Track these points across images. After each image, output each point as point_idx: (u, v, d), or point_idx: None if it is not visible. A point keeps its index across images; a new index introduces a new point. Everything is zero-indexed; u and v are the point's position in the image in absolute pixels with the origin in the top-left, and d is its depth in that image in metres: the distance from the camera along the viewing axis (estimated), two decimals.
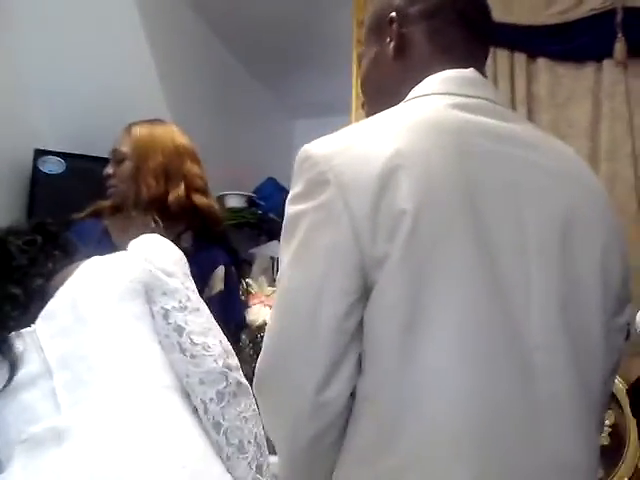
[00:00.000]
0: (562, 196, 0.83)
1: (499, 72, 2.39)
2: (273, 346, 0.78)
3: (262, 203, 3.70)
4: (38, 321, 1.14)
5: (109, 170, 1.87)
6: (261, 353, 0.79)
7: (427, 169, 0.75)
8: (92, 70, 2.62)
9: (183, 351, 1.14)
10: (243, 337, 2.21)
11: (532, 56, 2.42)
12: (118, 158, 1.86)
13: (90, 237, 1.70)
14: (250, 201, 3.65)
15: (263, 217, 3.67)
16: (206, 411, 1.14)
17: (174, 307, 1.16)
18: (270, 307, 2.08)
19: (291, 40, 3.40)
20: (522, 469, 0.72)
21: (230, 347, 1.20)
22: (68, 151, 2.55)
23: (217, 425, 1.13)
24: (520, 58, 2.42)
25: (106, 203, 1.89)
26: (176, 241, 1.39)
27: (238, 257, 1.99)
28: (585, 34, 2.31)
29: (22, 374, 1.10)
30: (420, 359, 0.71)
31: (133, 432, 1.07)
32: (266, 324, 1.96)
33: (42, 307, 1.14)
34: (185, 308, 1.17)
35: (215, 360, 1.15)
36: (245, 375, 1.20)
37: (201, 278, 1.51)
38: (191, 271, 1.26)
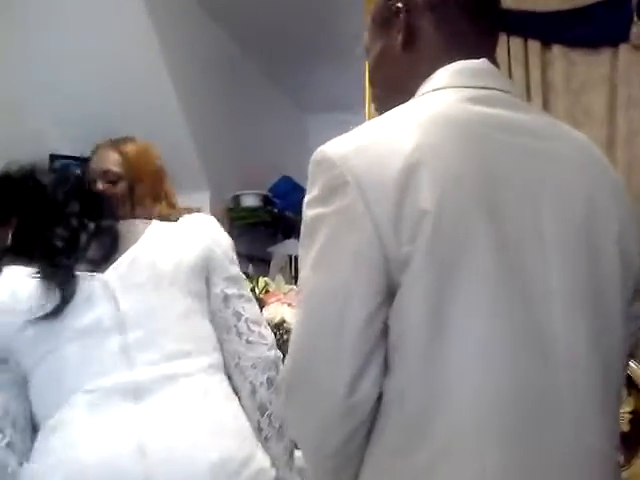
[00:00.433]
0: (581, 186, 0.83)
1: (513, 60, 2.36)
2: (300, 351, 0.78)
3: (277, 201, 3.71)
4: (110, 272, 1.16)
5: (100, 187, 1.88)
6: (288, 358, 0.79)
7: (446, 166, 0.75)
8: (102, 72, 2.63)
9: (239, 335, 1.23)
10: None
11: (546, 43, 2.38)
12: (112, 179, 1.85)
13: None
14: (265, 200, 3.65)
15: (279, 215, 3.67)
16: (254, 393, 1.22)
17: (234, 294, 1.25)
18: (288, 305, 2.07)
19: (302, 35, 3.39)
20: (546, 454, 0.73)
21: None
22: (82, 155, 2.56)
23: (263, 407, 1.22)
24: (534, 45, 2.38)
25: None
26: None
27: None
28: (600, 19, 2.28)
29: (91, 320, 1.12)
30: (446, 356, 0.72)
31: (198, 403, 1.13)
32: (284, 322, 1.99)
33: (107, 256, 1.18)
34: (243, 296, 1.27)
35: (269, 349, 1.24)
36: None
37: None
38: None
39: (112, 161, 1.83)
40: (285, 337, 1.90)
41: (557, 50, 2.37)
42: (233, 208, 3.54)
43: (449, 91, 0.84)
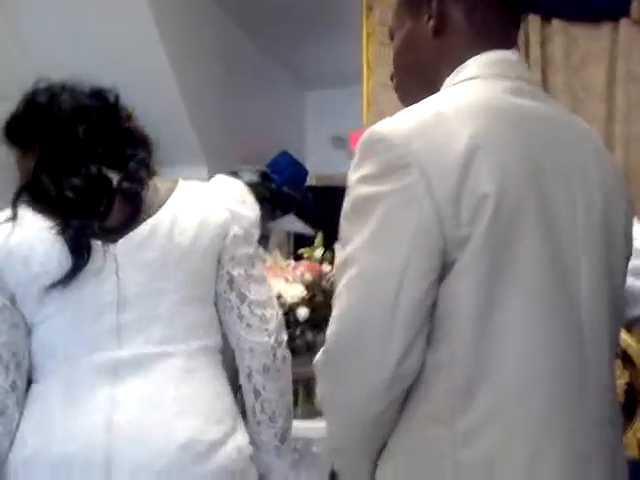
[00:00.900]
0: (599, 175, 0.88)
1: None
2: (349, 323, 0.80)
3: (276, 177, 3.70)
4: (121, 246, 1.11)
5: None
6: (334, 328, 0.81)
7: (502, 153, 0.79)
8: (101, 52, 2.61)
9: (241, 317, 1.20)
10: None
11: (546, 18, 2.37)
12: None
13: None
14: (264, 175, 3.64)
15: (277, 191, 3.66)
16: (249, 377, 1.21)
17: (240, 274, 1.20)
18: (285, 280, 2.09)
19: (299, 11, 3.36)
20: (576, 421, 0.81)
21: (283, 320, 1.26)
22: None
23: (257, 393, 1.21)
24: (534, 20, 2.37)
25: None
26: None
27: None
28: None
29: (92, 295, 1.10)
30: (494, 332, 0.78)
31: (176, 385, 1.12)
32: (280, 296, 2.00)
33: (124, 227, 1.12)
34: (250, 276, 1.21)
35: (269, 335, 1.20)
36: None
37: None
38: None
39: None
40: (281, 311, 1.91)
41: (557, 24, 2.36)
42: None
43: (486, 81, 0.87)
